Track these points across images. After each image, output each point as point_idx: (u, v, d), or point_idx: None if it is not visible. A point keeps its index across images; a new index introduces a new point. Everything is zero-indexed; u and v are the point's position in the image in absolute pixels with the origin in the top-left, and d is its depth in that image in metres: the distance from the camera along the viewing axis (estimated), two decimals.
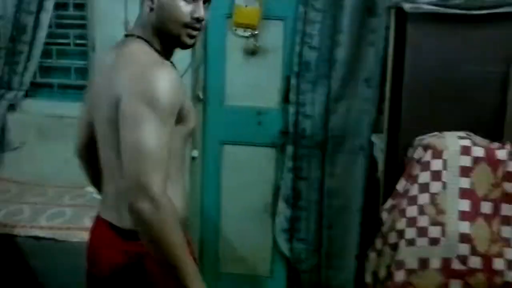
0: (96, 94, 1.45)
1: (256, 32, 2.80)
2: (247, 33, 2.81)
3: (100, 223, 1.50)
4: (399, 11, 2.09)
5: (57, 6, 2.97)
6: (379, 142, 2.54)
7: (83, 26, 3.02)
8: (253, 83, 2.90)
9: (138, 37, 1.42)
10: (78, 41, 3.06)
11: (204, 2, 1.41)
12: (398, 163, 2.10)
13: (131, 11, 2.75)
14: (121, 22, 2.79)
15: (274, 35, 2.84)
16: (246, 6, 2.75)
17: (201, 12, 1.39)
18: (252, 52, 2.84)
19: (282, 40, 2.84)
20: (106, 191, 1.49)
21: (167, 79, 1.29)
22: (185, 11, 1.37)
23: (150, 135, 1.24)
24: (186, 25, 1.38)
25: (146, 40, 1.41)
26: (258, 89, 2.91)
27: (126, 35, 1.47)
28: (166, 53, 1.45)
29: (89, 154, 1.59)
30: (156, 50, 1.41)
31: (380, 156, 2.46)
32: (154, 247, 1.26)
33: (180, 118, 1.35)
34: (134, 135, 1.25)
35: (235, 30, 2.82)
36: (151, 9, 1.40)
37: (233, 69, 2.90)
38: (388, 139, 2.24)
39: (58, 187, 2.92)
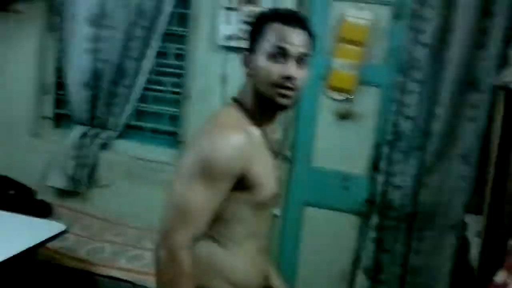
0: None
1: (350, 97, 2.80)
2: (341, 97, 2.82)
3: None
4: (509, 91, 2.03)
5: (158, 54, 3.10)
6: (473, 223, 2.46)
7: (180, 75, 3.13)
8: (342, 147, 2.88)
9: (236, 100, 1.46)
10: (174, 89, 3.17)
11: (298, 61, 1.40)
12: (497, 251, 1.98)
13: (229, 66, 2.85)
14: (218, 75, 2.89)
15: (368, 101, 2.83)
16: (343, 70, 2.76)
17: (291, 70, 1.38)
18: (344, 116, 2.84)
19: (377, 107, 2.83)
20: None
21: (228, 145, 1.31)
22: (274, 71, 1.38)
23: (191, 193, 1.30)
24: (276, 85, 1.38)
25: (240, 103, 1.44)
26: (347, 153, 2.88)
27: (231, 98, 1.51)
28: (264, 117, 1.46)
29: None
30: (249, 114, 1.42)
31: (473, 239, 2.35)
32: None
33: (246, 186, 1.36)
34: (178, 188, 1.32)
35: (329, 93, 2.84)
36: (249, 74, 1.43)
37: (324, 131, 2.90)
38: (487, 223, 2.13)
39: (138, 228, 3.00)
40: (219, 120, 1.40)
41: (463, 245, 2.60)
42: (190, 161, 1.33)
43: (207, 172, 1.29)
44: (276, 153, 1.51)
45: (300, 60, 1.41)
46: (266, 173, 1.41)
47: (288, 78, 1.39)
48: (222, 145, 1.31)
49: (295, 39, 1.39)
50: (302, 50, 1.40)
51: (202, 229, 1.32)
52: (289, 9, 1.56)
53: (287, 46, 1.38)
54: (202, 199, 1.30)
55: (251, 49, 1.43)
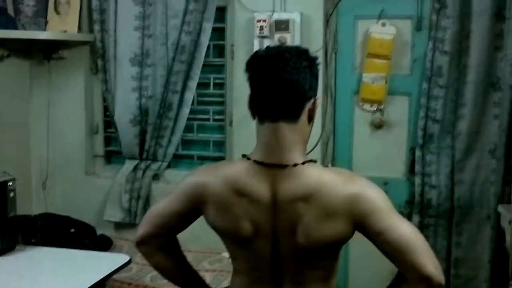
0: None
1: (382, 107, 3.21)
2: (373, 108, 3.23)
3: None
4: None
5: (199, 85, 3.46)
6: (506, 212, 2.78)
7: (221, 103, 3.53)
8: (379, 154, 3.27)
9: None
10: (216, 117, 3.56)
11: None
12: None
13: None
14: None
15: (399, 110, 3.23)
16: (373, 83, 3.17)
17: None
18: (378, 126, 3.23)
19: (407, 114, 3.22)
20: None
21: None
22: None
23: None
24: None
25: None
26: (384, 160, 3.27)
27: None
28: None
29: (158, 242, 1.69)
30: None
31: (507, 226, 2.69)
32: None
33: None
34: None
35: (362, 105, 3.25)
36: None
37: (360, 141, 3.29)
38: None
39: (196, 252, 3.21)
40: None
41: (499, 234, 2.95)
42: None
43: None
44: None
45: None
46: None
47: None
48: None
49: None
50: None
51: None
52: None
53: None
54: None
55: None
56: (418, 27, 3.16)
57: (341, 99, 3.32)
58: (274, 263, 1.55)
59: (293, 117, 1.46)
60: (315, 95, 1.50)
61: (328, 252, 1.53)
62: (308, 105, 1.48)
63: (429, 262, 1.38)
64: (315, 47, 3.06)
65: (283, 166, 1.46)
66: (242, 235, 1.51)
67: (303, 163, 1.47)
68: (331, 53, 3.30)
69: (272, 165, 1.46)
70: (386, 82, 3.17)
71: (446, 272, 3.10)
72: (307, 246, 1.47)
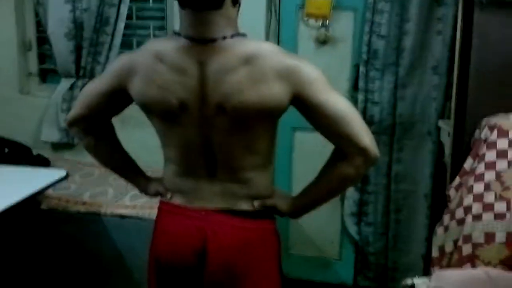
0: None
1: (327, 22, 3.14)
2: (319, 23, 3.15)
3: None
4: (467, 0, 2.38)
5: None
6: (446, 127, 2.82)
7: (162, 18, 3.40)
8: (323, 71, 3.19)
9: None
10: (157, 32, 3.42)
11: None
12: (465, 146, 2.37)
13: None
14: None
15: (344, 25, 3.17)
16: None
17: None
18: (323, 42, 3.17)
19: (352, 30, 3.17)
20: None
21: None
22: None
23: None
24: None
25: None
26: (329, 76, 3.17)
27: None
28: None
29: (88, 124, 1.69)
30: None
31: (447, 141, 2.73)
32: None
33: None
34: None
35: (307, 20, 3.17)
36: None
37: (304, 57, 3.19)
38: (455, 123, 2.50)
39: None
40: None
41: (439, 148, 3.02)
42: None
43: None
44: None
45: None
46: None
47: None
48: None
49: None
50: None
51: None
52: None
53: None
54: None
55: None
56: None
57: (286, 14, 3.22)
58: (205, 148, 1.54)
59: (216, 4, 1.43)
60: None
61: (263, 127, 1.51)
62: None
63: (366, 136, 1.45)
64: None
65: (212, 40, 1.44)
66: (168, 108, 1.48)
67: (232, 36, 1.46)
68: None
69: (201, 40, 1.44)
70: None
71: (387, 187, 3.18)
72: (238, 110, 1.44)
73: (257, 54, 1.43)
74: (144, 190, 1.81)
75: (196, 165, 1.58)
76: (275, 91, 1.43)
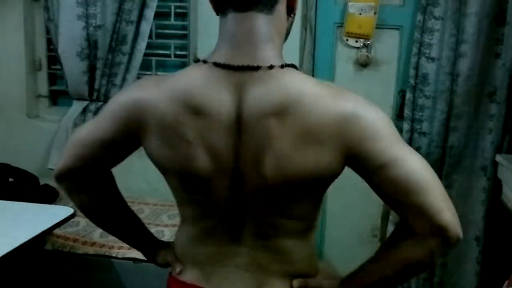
0: None
1: (369, 42, 2.87)
2: (359, 44, 2.89)
3: None
4: None
5: (158, 15, 3.10)
6: (505, 162, 2.55)
7: (184, 36, 3.17)
8: (364, 96, 2.92)
9: None
10: (178, 52, 3.21)
11: None
12: None
13: None
14: None
15: (389, 46, 2.92)
16: (360, 14, 2.81)
17: None
18: (363, 64, 2.91)
19: (398, 51, 2.91)
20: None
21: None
22: None
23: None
24: None
25: None
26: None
27: None
28: None
29: (82, 178, 1.31)
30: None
31: (506, 177, 2.45)
32: None
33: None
34: None
35: (346, 40, 2.91)
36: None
37: (342, 81, 2.97)
38: None
39: (154, 205, 3.05)
40: None
41: (495, 186, 2.72)
42: None
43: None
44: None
45: None
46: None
47: None
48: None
49: None
50: None
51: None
52: None
53: None
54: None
55: None
56: None
57: (322, 33, 2.98)
58: (232, 208, 1.18)
59: (267, 5, 1.11)
60: None
61: (307, 193, 1.16)
62: None
63: (447, 209, 1.06)
64: None
65: (255, 68, 1.09)
66: (194, 171, 1.13)
67: (282, 66, 1.10)
68: None
69: (240, 68, 1.09)
70: (375, 13, 2.81)
71: None
72: (278, 181, 1.11)
73: (304, 96, 1.08)
74: (152, 259, 1.45)
75: (217, 227, 1.23)
76: (325, 158, 1.09)
